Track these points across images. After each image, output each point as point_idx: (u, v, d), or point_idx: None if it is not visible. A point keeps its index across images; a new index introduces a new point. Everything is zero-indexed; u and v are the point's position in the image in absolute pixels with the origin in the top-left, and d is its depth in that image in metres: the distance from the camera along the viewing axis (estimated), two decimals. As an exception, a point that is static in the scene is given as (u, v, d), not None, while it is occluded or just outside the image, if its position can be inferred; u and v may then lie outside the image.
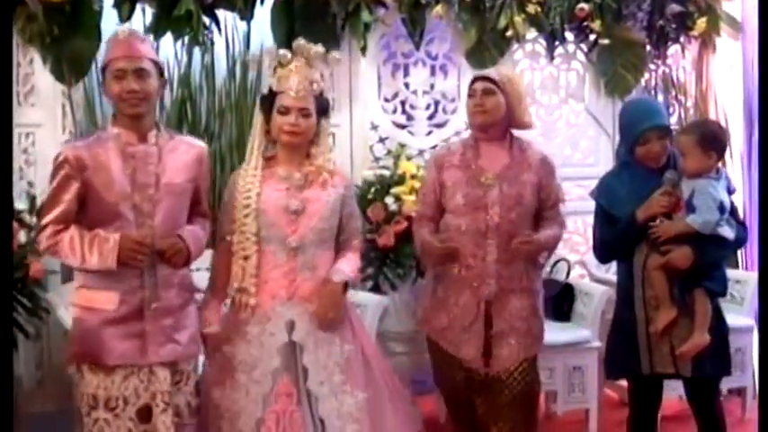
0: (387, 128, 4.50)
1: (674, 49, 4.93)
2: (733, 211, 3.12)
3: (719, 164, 3.15)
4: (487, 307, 3.13)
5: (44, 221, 2.71)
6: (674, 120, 4.82)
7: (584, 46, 4.80)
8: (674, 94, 4.93)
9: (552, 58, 4.73)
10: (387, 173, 4.18)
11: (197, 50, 4.04)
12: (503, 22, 4.44)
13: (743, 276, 4.38)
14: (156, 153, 2.76)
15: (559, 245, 4.39)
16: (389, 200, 3.99)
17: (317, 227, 2.89)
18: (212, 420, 2.83)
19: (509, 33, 4.45)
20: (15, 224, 3.49)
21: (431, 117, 4.59)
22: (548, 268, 4.26)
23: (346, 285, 2.94)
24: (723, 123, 4.60)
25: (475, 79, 3.22)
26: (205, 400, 2.87)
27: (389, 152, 4.39)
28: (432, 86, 4.59)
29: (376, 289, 4.00)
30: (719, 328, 3.09)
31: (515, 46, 4.63)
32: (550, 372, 3.94)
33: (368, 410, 2.90)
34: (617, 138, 4.70)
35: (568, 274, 4.42)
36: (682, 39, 4.86)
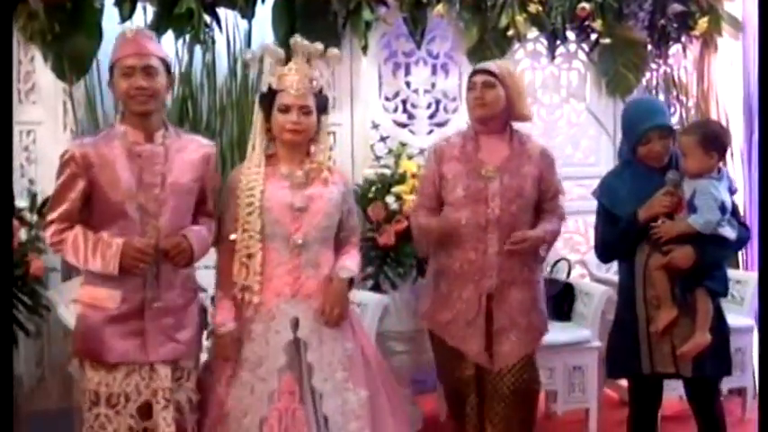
0: (388, 127, 4.50)
1: (675, 48, 4.93)
2: (734, 211, 3.13)
3: (721, 164, 3.15)
4: (489, 301, 3.13)
5: (49, 218, 2.73)
6: (675, 120, 4.82)
7: (585, 45, 4.80)
8: (675, 93, 4.92)
9: (553, 57, 4.73)
10: (388, 172, 4.17)
11: (198, 48, 4.03)
12: (504, 22, 4.43)
13: (743, 276, 4.38)
14: (163, 153, 2.77)
15: (560, 244, 4.43)
16: (390, 199, 3.99)
17: (321, 224, 2.90)
18: (216, 418, 2.83)
19: (510, 32, 4.45)
20: (16, 222, 3.49)
21: (432, 116, 4.59)
22: (548, 268, 4.26)
23: (351, 282, 2.96)
24: (724, 123, 4.60)
25: (475, 72, 3.23)
26: (207, 398, 2.87)
27: (390, 151, 4.38)
28: (433, 85, 4.59)
29: (376, 288, 4.00)
30: (720, 328, 3.10)
31: (516, 45, 4.63)
32: (550, 371, 3.94)
33: (369, 409, 2.91)
34: (618, 137, 4.73)
35: (569, 273, 4.42)
36: (683, 38, 4.86)
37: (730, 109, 4.94)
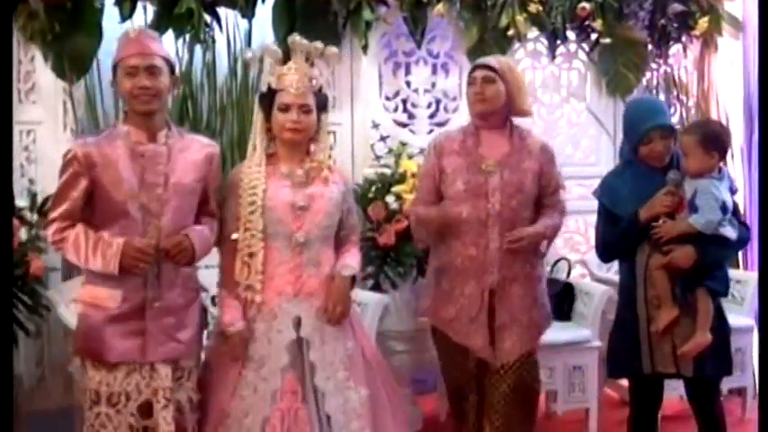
0: (388, 126, 4.50)
1: (675, 48, 4.92)
2: (735, 211, 3.13)
3: (722, 163, 3.15)
4: (491, 297, 3.13)
5: (51, 216, 2.74)
6: (675, 119, 4.81)
7: (585, 45, 4.79)
8: (675, 93, 4.92)
9: (554, 57, 4.73)
10: (388, 171, 4.17)
11: (198, 48, 4.03)
12: (504, 21, 4.43)
13: (743, 276, 4.38)
14: (166, 153, 2.77)
15: (560, 244, 4.43)
16: (390, 198, 3.99)
17: (323, 223, 2.91)
18: (218, 418, 2.82)
19: (510, 32, 4.45)
20: (16, 221, 3.49)
21: (432, 116, 4.59)
22: (548, 267, 4.26)
23: (353, 280, 2.97)
24: (724, 123, 4.60)
25: (475, 67, 3.22)
26: (208, 398, 2.87)
27: (390, 151, 4.38)
28: (433, 85, 4.59)
29: (376, 288, 4.00)
30: (721, 327, 3.10)
31: (517, 45, 4.63)
32: (550, 371, 3.94)
33: (369, 408, 2.92)
34: (618, 137, 4.73)
35: (569, 273, 4.42)
36: (683, 38, 4.85)
37: (730, 108, 4.93)
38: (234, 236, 2.87)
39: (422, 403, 4.31)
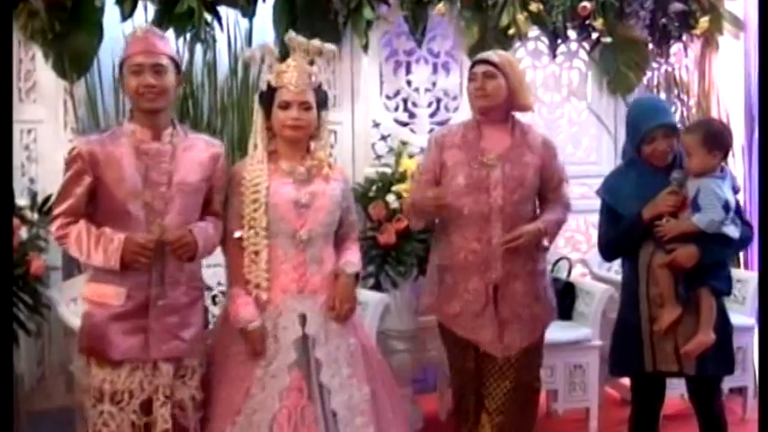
0: (388, 125, 4.49)
1: (676, 47, 4.92)
2: (738, 210, 3.12)
3: (724, 162, 3.15)
4: (495, 291, 3.13)
5: (55, 212, 2.78)
6: (676, 118, 4.81)
7: (586, 44, 4.78)
8: (676, 92, 4.91)
9: (554, 56, 4.72)
10: (388, 170, 4.17)
11: (199, 47, 4.03)
12: (505, 20, 4.42)
13: (744, 276, 4.37)
14: (170, 151, 2.79)
15: (560, 243, 4.42)
16: (391, 198, 3.99)
17: (324, 220, 2.92)
18: (226, 415, 2.81)
19: (511, 31, 4.44)
20: (17, 220, 3.49)
21: (433, 115, 4.58)
22: (549, 267, 4.26)
23: (356, 277, 3.00)
24: (725, 122, 4.59)
25: (475, 63, 3.21)
26: (213, 395, 2.87)
27: (391, 150, 4.37)
28: (434, 84, 4.58)
29: (377, 287, 4.00)
30: (724, 327, 3.10)
31: (517, 44, 4.61)
32: (551, 370, 3.94)
33: (372, 404, 2.94)
34: (619, 136, 4.73)
35: (570, 272, 4.41)
36: (684, 37, 4.85)
37: (731, 108, 4.93)
38: (237, 234, 2.88)
39: (422, 402, 4.31)
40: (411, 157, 4.23)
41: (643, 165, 3.15)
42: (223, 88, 4.11)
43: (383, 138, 4.47)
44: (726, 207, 3.02)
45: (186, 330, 2.80)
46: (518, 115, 3.26)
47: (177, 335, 2.77)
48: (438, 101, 4.59)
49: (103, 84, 3.92)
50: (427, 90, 4.58)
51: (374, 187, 4.07)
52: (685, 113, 4.91)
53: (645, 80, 4.85)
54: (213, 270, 3.49)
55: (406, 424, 3.18)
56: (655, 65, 4.89)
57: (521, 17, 4.42)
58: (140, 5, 3.91)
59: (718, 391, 3.24)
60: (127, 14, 3.87)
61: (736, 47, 4.97)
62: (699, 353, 3.02)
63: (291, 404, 2.81)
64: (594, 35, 4.70)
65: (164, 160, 2.77)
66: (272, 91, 2.92)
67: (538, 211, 3.26)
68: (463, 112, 4.33)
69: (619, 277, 4.09)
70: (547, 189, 3.23)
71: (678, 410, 3.96)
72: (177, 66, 2.85)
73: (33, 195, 3.72)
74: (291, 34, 2.97)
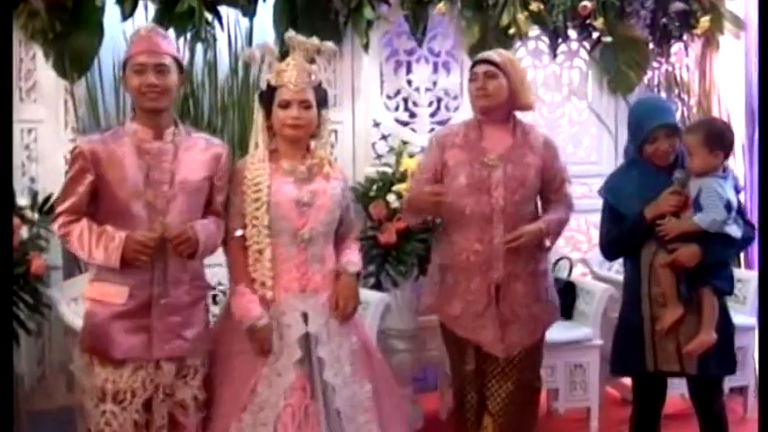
0: (389, 125, 4.49)
1: (677, 47, 4.92)
2: (740, 209, 3.12)
3: (726, 162, 3.15)
4: (496, 292, 3.12)
5: (58, 210, 2.79)
6: (676, 118, 4.81)
7: (586, 44, 4.78)
8: (677, 92, 4.91)
9: (555, 55, 4.72)
10: (389, 170, 4.16)
11: (199, 47, 4.03)
12: (505, 20, 4.42)
13: (745, 275, 4.37)
14: (172, 150, 2.79)
15: (561, 243, 4.42)
16: (391, 197, 3.98)
17: (325, 219, 2.93)
18: (232, 412, 2.81)
19: (512, 31, 4.44)
20: (17, 220, 3.49)
21: (433, 114, 4.58)
22: (550, 266, 4.26)
23: (358, 276, 3.02)
24: (726, 121, 4.59)
25: (476, 62, 3.21)
26: (216, 393, 2.87)
27: (392, 149, 4.37)
28: (434, 84, 4.59)
29: (378, 286, 4.00)
30: (725, 326, 3.10)
31: (518, 43, 4.61)
32: (552, 370, 3.94)
33: (374, 401, 2.95)
34: (619, 136, 4.74)
35: (570, 271, 4.41)
36: (685, 37, 4.85)
37: (732, 107, 4.93)
38: (238, 232, 2.88)
39: (422, 402, 4.31)
40: (411, 156, 4.22)
41: (645, 164, 3.15)
42: (223, 87, 4.12)
43: (384, 137, 4.47)
44: (728, 207, 3.02)
45: (189, 330, 2.80)
46: (519, 115, 3.26)
47: (179, 334, 2.78)
48: (439, 100, 4.59)
49: (104, 83, 3.93)
50: (428, 89, 4.57)
51: (375, 187, 4.07)
52: (686, 113, 4.91)
53: (645, 80, 4.85)
54: (214, 270, 3.48)
55: (405, 423, 3.18)
56: (655, 64, 4.89)
57: (521, 17, 4.42)
58: (141, 5, 3.90)
59: (720, 391, 3.24)
60: (127, 14, 3.87)
61: (736, 46, 4.97)
62: (701, 352, 3.03)
63: (295, 403, 2.81)
64: (595, 35, 4.70)
65: (165, 159, 2.78)
66: (271, 90, 2.93)
67: (540, 211, 3.25)
68: (464, 112, 4.33)
69: (619, 277, 4.09)
70: (549, 189, 3.23)
71: (679, 410, 3.96)
72: (180, 65, 2.86)
73: (34, 195, 3.71)
74: (291, 33, 2.97)
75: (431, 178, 3.20)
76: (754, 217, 4.26)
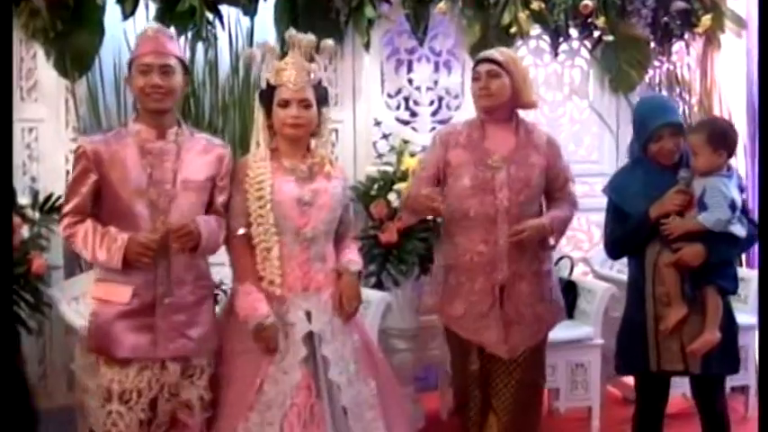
0: (390, 124, 4.49)
1: (678, 45, 4.91)
2: (744, 209, 3.12)
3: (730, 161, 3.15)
4: (500, 292, 3.12)
5: (63, 211, 2.80)
6: (679, 117, 4.81)
7: (588, 42, 4.78)
8: (678, 91, 4.91)
9: (556, 54, 4.72)
10: (390, 169, 4.16)
11: (200, 46, 4.03)
12: (507, 19, 4.42)
13: (747, 275, 4.36)
14: (175, 150, 2.80)
15: (562, 242, 4.41)
16: (392, 196, 3.98)
17: (327, 218, 2.93)
18: (238, 412, 2.80)
19: (513, 30, 4.43)
20: (18, 219, 3.49)
21: (434, 113, 4.58)
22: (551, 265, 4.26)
23: (359, 275, 3.04)
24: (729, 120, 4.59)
25: (479, 61, 3.19)
26: (221, 393, 2.86)
27: (393, 148, 4.37)
28: (435, 83, 4.58)
29: (379, 285, 3.99)
30: (729, 326, 3.10)
31: (519, 42, 4.61)
32: (553, 369, 3.93)
33: (379, 399, 2.96)
34: (621, 135, 4.73)
35: (572, 271, 4.40)
36: (686, 35, 4.84)
37: (733, 106, 4.92)
38: (240, 231, 2.87)
39: (423, 401, 4.31)
40: (413, 155, 4.22)
41: (650, 163, 3.15)
42: (224, 87, 4.12)
43: (385, 136, 4.47)
44: (732, 206, 3.02)
45: (194, 329, 2.80)
46: (521, 113, 3.25)
47: (184, 333, 2.78)
48: (440, 99, 4.59)
49: (105, 82, 3.93)
50: (429, 88, 4.57)
51: (376, 186, 4.07)
52: (687, 112, 4.91)
53: (647, 78, 4.85)
54: (215, 269, 3.48)
55: (406, 423, 3.18)
56: (656, 63, 4.89)
57: (522, 15, 4.41)
58: (141, 4, 3.90)
59: (722, 390, 3.24)
60: (128, 13, 3.87)
61: (737, 45, 4.97)
62: (705, 351, 3.03)
63: (301, 402, 2.81)
64: (596, 33, 4.70)
65: (168, 159, 2.79)
66: (271, 89, 2.93)
67: (544, 210, 3.25)
68: (465, 111, 4.32)
69: (621, 276, 4.10)
70: (553, 188, 3.22)
71: (680, 409, 3.96)
72: (185, 67, 2.86)
73: (35, 194, 3.72)
74: (291, 31, 2.97)
75: (432, 176, 3.19)
76: (755, 215, 4.27)
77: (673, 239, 3.04)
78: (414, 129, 4.53)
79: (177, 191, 2.78)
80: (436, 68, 4.58)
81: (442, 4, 4.32)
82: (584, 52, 4.83)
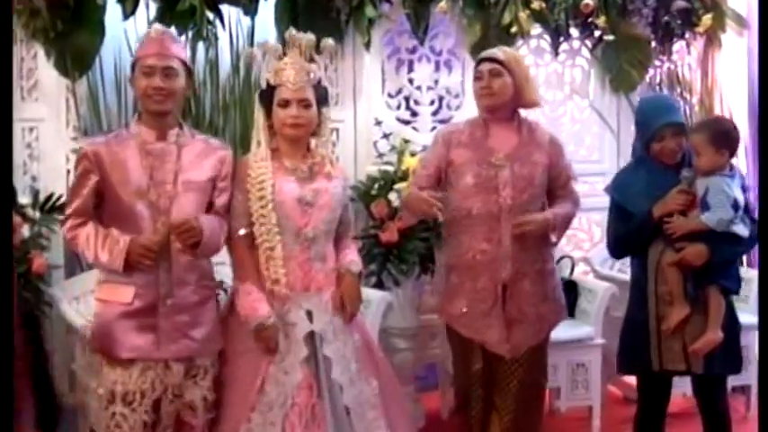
0: (391, 124, 4.48)
1: (679, 45, 4.90)
2: (747, 208, 3.12)
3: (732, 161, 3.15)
4: (503, 291, 3.12)
5: (66, 213, 2.82)
6: (680, 116, 4.81)
7: (588, 42, 4.77)
8: (679, 90, 4.90)
9: (557, 54, 4.71)
10: (390, 169, 4.16)
11: (201, 45, 4.03)
12: (507, 18, 4.41)
13: (748, 274, 4.36)
14: (175, 151, 2.80)
15: (563, 241, 4.41)
16: (393, 196, 3.98)
17: (328, 218, 2.94)
18: (241, 413, 2.80)
19: (513, 29, 4.42)
20: (19, 219, 3.49)
21: (435, 113, 4.57)
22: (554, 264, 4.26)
23: (359, 276, 3.04)
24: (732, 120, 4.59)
25: (481, 60, 3.19)
26: (224, 394, 2.86)
27: (393, 148, 4.37)
28: (436, 82, 4.57)
29: (379, 285, 4.00)
30: (732, 325, 3.10)
31: (520, 42, 4.60)
32: (554, 368, 3.92)
33: (380, 398, 2.96)
34: (621, 134, 4.73)
35: (572, 270, 4.40)
36: (687, 35, 4.83)
37: (734, 106, 4.92)
38: (241, 231, 2.87)
39: (424, 400, 4.31)
40: (413, 155, 4.22)
41: (652, 162, 3.15)
42: (225, 86, 4.11)
43: (385, 136, 4.46)
44: (735, 205, 3.02)
45: (197, 329, 2.80)
46: (522, 112, 3.25)
47: (187, 334, 2.78)
48: (440, 99, 4.58)
49: (105, 82, 3.93)
50: (429, 88, 4.56)
51: (376, 185, 4.07)
52: (688, 112, 4.90)
53: (647, 78, 4.84)
54: (216, 268, 3.48)
55: (407, 422, 3.18)
56: (657, 63, 4.88)
57: (523, 15, 4.41)
58: (142, 3, 3.90)
59: (724, 390, 3.24)
60: (129, 13, 3.87)
61: (738, 44, 4.96)
62: (707, 351, 3.02)
63: (302, 402, 2.80)
64: (597, 33, 4.69)
65: (169, 159, 2.79)
66: (271, 89, 2.93)
67: (547, 209, 3.24)
68: (466, 111, 4.32)
69: (621, 275, 4.10)
70: (555, 187, 3.22)
71: (681, 409, 3.96)
72: (188, 70, 2.87)
73: (35, 193, 3.72)
74: (292, 31, 2.96)
75: (432, 174, 3.19)
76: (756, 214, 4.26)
77: (676, 239, 3.04)
78: (414, 128, 4.52)
79: (178, 192, 2.78)
80: (437, 68, 4.58)
81: (442, 4, 4.31)
82: (585, 52, 4.82)
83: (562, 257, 4.38)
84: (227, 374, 2.88)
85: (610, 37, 4.63)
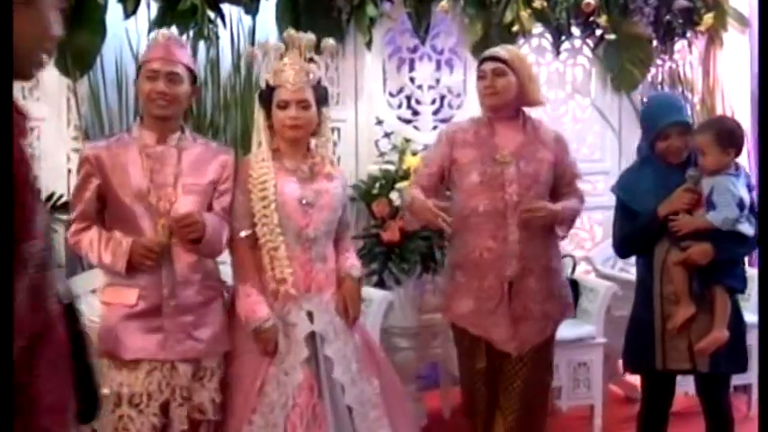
0: (392, 123, 4.48)
1: (680, 44, 4.91)
2: (752, 207, 3.12)
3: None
4: (509, 288, 3.11)
5: (70, 218, 2.83)
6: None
7: (590, 41, 4.77)
8: (680, 89, 4.90)
9: (558, 53, 4.71)
10: (392, 168, 4.16)
11: (202, 44, 4.03)
12: (509, 17, 4.41)
13: (750, 273, 4.35)
14: (176, 154, 2.81)
15: (565, 241, 4.41)
16: (394, 195, 3.98)
17: (328, 219, 2.93)
18: (243, 414, 2.80)
19: (515, 28, 4.42)
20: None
21: (436, 112, 4.57)
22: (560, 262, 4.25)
23: (360, 280, 3.05)
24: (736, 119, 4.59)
25: (484, 59, 3.18)
26: (227, 397, 2.86)
27: (394, 147, 4.36)
28: (437, 81, 4.57)
29: (381, 284, 3.99)
30: (737, 324, 3.11)
31: (521, 41, 4.60)
32: (555, 368, 3.88)
33: (382, 397, 2.96)
34: (623, 133, 4.73)
35: (574, 269, 4.40)
36: (688, 34, 4.84)
37: (736, 105, 4.92)
38: (243, 233, 2.86)
39: (426, 400, 4.31)
40: (414, 154, 4.21)
41: (658, 162, 3.15)
42: (226, 85, 4.11)
43: (386, 135, 4.46)
44: (740, 205, 3.02)
45: (202, 330, 2.80)
46: (526, 110, 3.25)
47: (192, 335, 2.77)
48: (442, 98, 4.58)
49: (106, 81, 3.93)
50: (431, 87, 4.56)
51: (377, 185, 4.07)
52: (690, 111, 4.89)
53: (649, 77, 4.84)
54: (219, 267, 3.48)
55: (409, 421, 3.18)
56: (659, 62, 4.88)
57: (524, 14, 4.40)
58: (143, 3, 3.90)
59: (728, 388, 3.24)
60: (130, 12, 3.86)
61: (740, 43, 4.96)
62: (712, 350, 3.03)
63: (303, 402, 2.80)
64: (598, 32, 4.69)
65: (169, 162, 2.79)
66: (270, 90, 2.92)
67: None
68: (467, 110, 4.32)
69: (623, 274, 4.10)
70: (560, 184, 3.22)
71: (683, 408, 3.95)
72: (193, 75, 2.87)
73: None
74: (291, 31, 2.96)
75: (434, 173, 3.19)
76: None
77: (681, 237, 3.04)
78: (415, 127, 4.52)
79: (178, 195, 2.78)
80: (438, 67, 4.58)
81: (444, 3, 4.31)
82: (587, 51, 4.82)
83: (564, 257, 4.36)
84: (231, 376, 2.88)
85: (611, 36, 4.63)
